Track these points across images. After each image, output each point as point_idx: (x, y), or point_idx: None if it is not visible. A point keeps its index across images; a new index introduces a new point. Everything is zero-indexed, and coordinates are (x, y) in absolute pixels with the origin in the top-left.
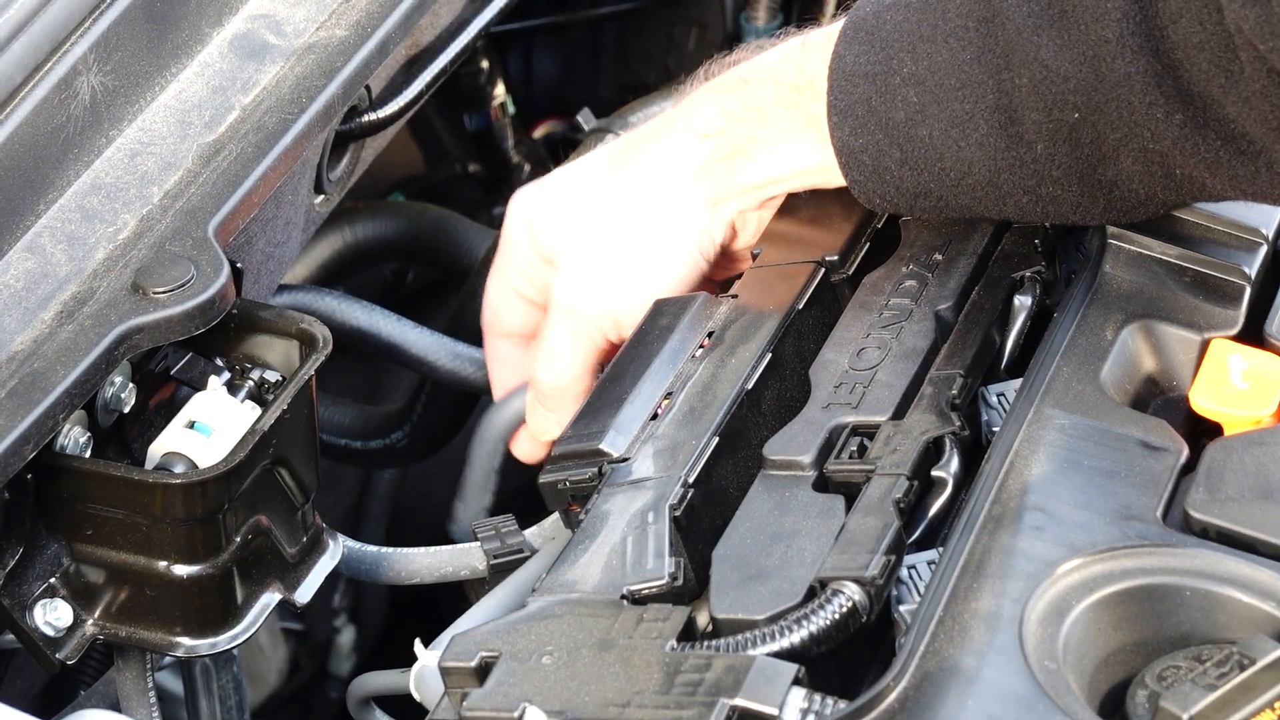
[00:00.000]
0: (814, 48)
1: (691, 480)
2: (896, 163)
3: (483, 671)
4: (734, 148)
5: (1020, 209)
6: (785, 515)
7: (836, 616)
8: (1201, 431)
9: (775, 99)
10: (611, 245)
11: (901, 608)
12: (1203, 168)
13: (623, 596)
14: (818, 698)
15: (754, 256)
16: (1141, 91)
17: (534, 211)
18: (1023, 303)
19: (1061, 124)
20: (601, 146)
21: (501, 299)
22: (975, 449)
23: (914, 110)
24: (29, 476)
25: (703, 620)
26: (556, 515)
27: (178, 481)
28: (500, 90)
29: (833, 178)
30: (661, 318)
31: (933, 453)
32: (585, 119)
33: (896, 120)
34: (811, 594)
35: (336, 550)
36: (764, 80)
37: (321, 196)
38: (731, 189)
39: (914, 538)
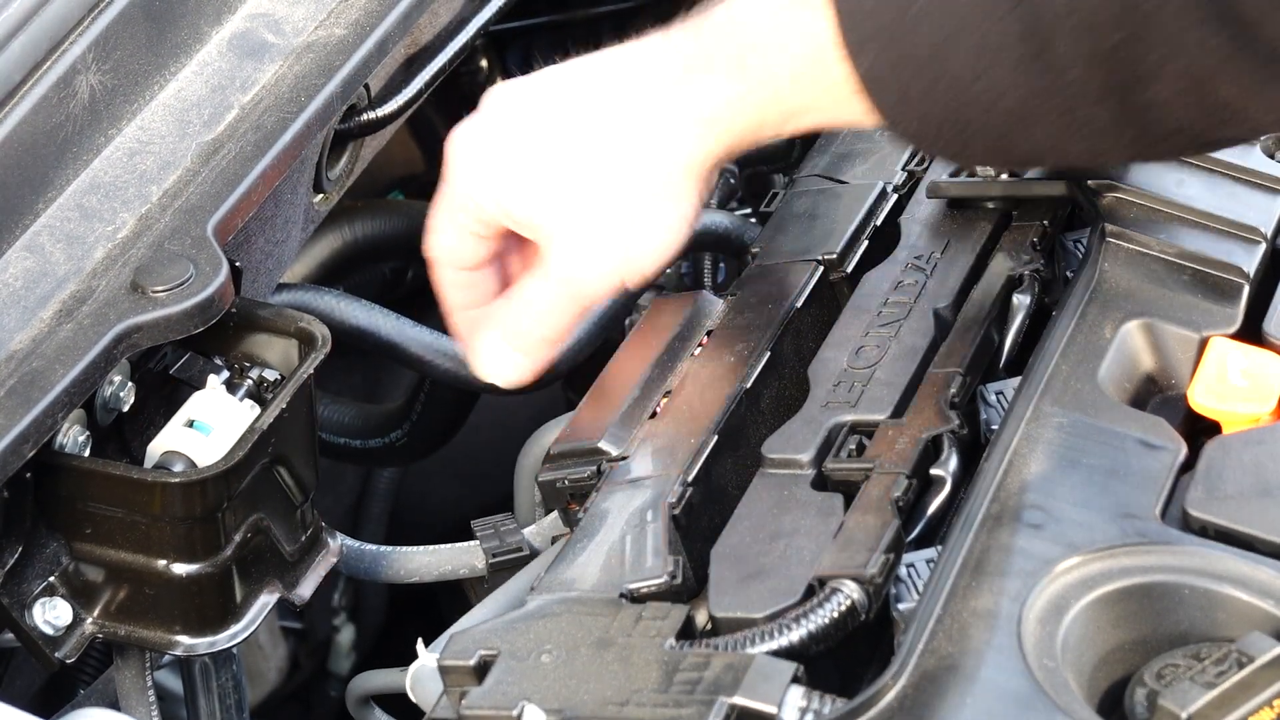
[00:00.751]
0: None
1: (690, 479)
2: (920, 92)
3: (481, 670)
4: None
5: (1050, 136)
6: (784, 514)
7: (835, 615)
8: (1200, 430)
9: (791, 73)
10: (607, 215)
11: (900, 606)
12: (1246, 94)
13: (621, 595)
14: (816, 696)
15: (753, 255)
16: (1182, 12)
17: (486, 168)
18: (1021, 301)
19: (1097, 49)
20: (539, 84)
21: (455, 238)
22: (974, 447)
23: (938, 40)
24: (28, 475)
25: (701, 619)
26: (555, 514)
27: (177, 480)
28: None
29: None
30: (661, 316)
31: (931, 451)
32: None
33: (920, 52)
34: (810, 592)
35: (336, 549)
36: (769, 47)
37: (320, 195)
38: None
39: (913, 536)
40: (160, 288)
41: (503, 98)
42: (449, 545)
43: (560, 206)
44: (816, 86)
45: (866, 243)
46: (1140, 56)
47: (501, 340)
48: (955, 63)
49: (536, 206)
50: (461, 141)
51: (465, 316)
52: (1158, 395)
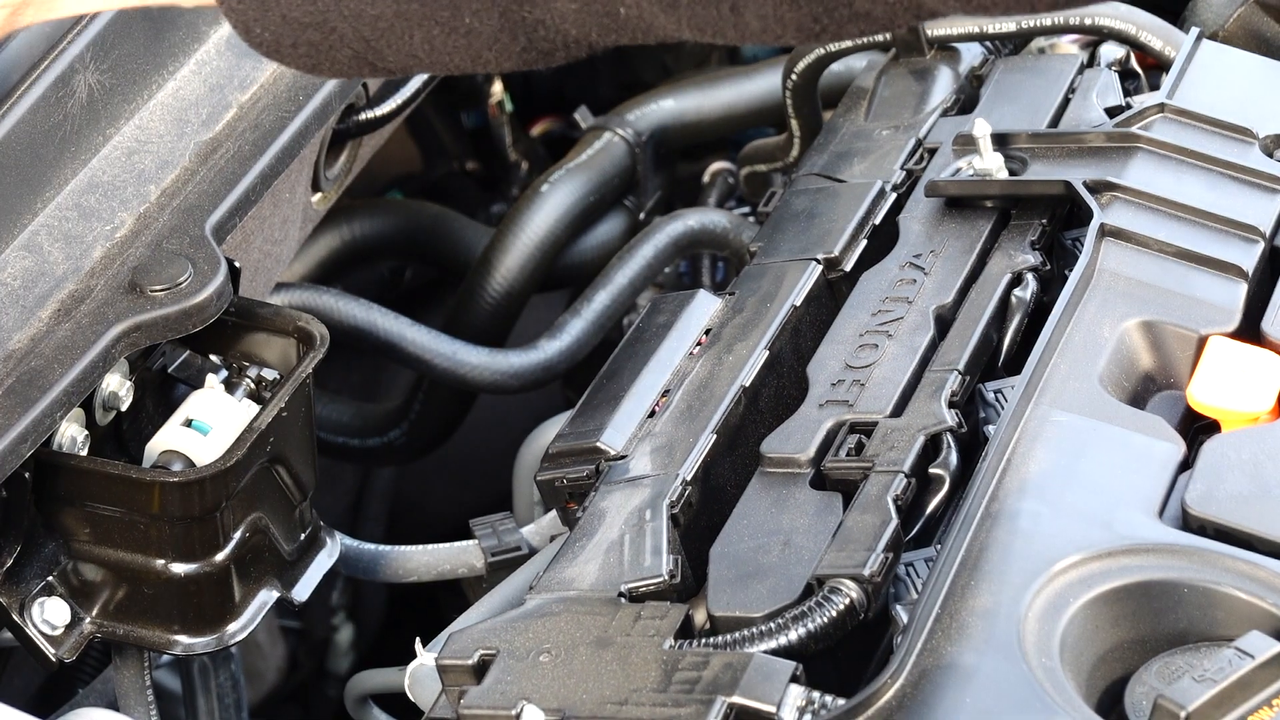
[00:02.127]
0: None
1: (689, 478)
2: None
3: (480, 669)
4: None
5: (431, 43)
6: (783, 513)
7: (834, 614)
8: (1199, 428)
9: None
10: None
11: (899, 605)
12: (658, 8)
13: (620, 594)
14: (815, 695)
15: (751, 254)
16: None
17: None
18: (1020, 300)
19: None
20: None
21: None
22: (973, 446)
23: None
24: (27, 475)
25: (700, 618)
26: (554, 513)
27: (175, 479)
28: (498, 88)
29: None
30: (659, 315)
31: (930, 450)
32: (583, 116)
33: None
34: (809, 592)
35: (334, 548)
36: None
37: (319, 194)
38: None
39: (911, 535)
40: (158, 287)
41: None
42: (447, 544)
43: None
44: None
45: (865, 241)
46: None
47: None
48: None
49: None
50: None
51: None
52: (1156, 394)
